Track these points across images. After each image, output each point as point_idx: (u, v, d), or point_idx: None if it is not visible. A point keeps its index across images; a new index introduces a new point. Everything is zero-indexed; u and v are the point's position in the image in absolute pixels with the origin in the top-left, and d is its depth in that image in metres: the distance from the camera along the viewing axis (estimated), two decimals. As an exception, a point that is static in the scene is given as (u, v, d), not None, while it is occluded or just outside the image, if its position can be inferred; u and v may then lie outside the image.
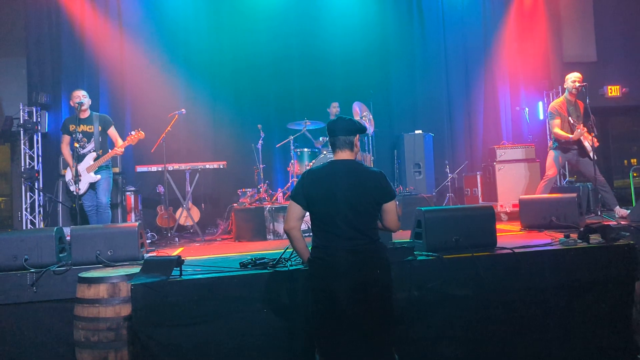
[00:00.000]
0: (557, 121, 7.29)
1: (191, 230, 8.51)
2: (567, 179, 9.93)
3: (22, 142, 8.62)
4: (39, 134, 8.78)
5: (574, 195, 6.15)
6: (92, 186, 6.63)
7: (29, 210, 8.62)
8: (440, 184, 9.77)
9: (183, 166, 8.27)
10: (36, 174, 8.65)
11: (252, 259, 4.33)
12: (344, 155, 3.55)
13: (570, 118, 7.23)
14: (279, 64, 9.96)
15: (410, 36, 10.63)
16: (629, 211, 6.65)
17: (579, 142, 7.20)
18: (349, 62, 10.03)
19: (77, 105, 6.51)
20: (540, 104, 10.86)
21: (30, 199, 8.66)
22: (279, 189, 8.56)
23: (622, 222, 6.11)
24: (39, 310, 4.63)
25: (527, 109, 10.49)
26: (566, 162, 7.87)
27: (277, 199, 8.15)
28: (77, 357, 4.04)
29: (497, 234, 4.85)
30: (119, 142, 6.76)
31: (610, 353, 4.49)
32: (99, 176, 6.59)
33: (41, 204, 8.64)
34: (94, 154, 6.61)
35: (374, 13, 10.45)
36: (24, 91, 8.92)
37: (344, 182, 3.42)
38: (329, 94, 9.44)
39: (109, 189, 6.69)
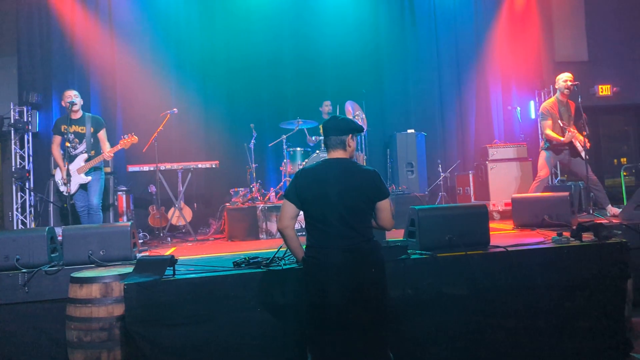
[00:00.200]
0: (549, 122, 7.33)
1: (183, 230, 8.48)
2: (558, 177, 9.97)
3: (12, 141, 8.56)
4: (30, 133, 8.73)
5: (567, 194, 6.18)
6: (84, 187, 6.59)
7: (19, 210, 8.57)
8: (432, 183, 9.78)
9: (175, 166, 8.24)
10: (27, 174, 8.60)
11: (245, 258, 4.32)
12: (337, 154, 3.55)
13: (561, 121, 7.26)
14: (271, 62, 9.95)
15: (402, 35, 10.65)
16: (620, 210, 6.68)
17: (570, 143, 7.25)
18: (342, 62, 10.03)
19: (68, 105, 6.47)
20: (532, 103, 10.91)
21: (21, 199, 8.60)
22: (272, 189, 8.55)
23: (614, 221, 6.15)
24: (31, 311, 4.59)
25: (518, 108, 10.53)
26: (558, 163, 7.90)
27: (269, 199, 8.14)
28: (70, 358, 4.01)
29: (490, 233, 4.86)
30: (107, 146, 6.69)
31: (602, 350, 4.51)
32: (89, 177, 6.55)
33: (32, 204, 8.59)
34: (85, 155, 6.57)
35: (366, 12, 10.47)
36: (15, 91, 8.86)
37: (337, 180, 3.41)
38: (321, 93, 9.46)
39: (100, 190, 6.65)
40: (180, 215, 8.18)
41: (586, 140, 7.18)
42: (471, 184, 9.26)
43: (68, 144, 6.35)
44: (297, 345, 3.91)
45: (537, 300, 4.46)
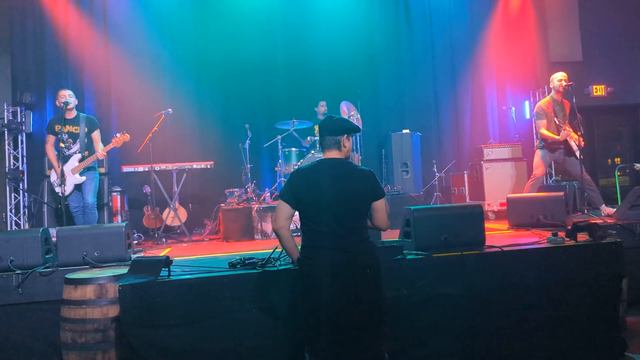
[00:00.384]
0: (544, 121, 7.35)
1: (178, 231, 8.46)
2: (553, 177, 10.00)
3: (6, 142, 8.52)
4: (24, 134, 8.68)
5: (561, 193, 6.20)
6: (78, 187, 6.58)
7: (13, 211, 8.53)
8: (427, 183, 9.79)
9: (170, 166, 8.22)
10: (21, 175, 8.55)
11: (241, 259, 4.31)
12: (332, 154, 3.54)
13: (556, 118, 7.29)
14: (266, 63, 9.93)
15: (397, 35, 10.66)
16: (615, 209, 6.70)
17: (565, 142, 7.28)
18: (337, 61, 10.01)
19: (62, 104, 6.46)
20: (527, 103, 10.93)
21: (15, 200, 8.56)
22: (267, 189, 8.55)
23: (609, 220, 6.18)
24: (25, 312, 4.57)
25: (513, 108, 10.55)
26: (553, 162, 7.92)
27: (264, 199, 8.13)
28: (64, 359, 4.00)
29: (485, 233, 4.86)
30: (100, 147, 6.67)
31: (598, 350, 4.51)
32: (84, 177, 6.55)
33: (26, 205, 8.55)
34: (79, 155, 6.56)
35: (361, 12, 10.47)
36: (9, 91, 8.80)
37: (332, 181, 3.40)
38: (316, 93, 9.43)
39: (94, 189, 6.65)
40: (175, 215, 8.16)
41: (581, 139, 7.20)
42: (466, 184, 9.28)
43: (62, 144, 6.32)
44: (293, 346, 3.90)
45: (532, 300, 4.46)
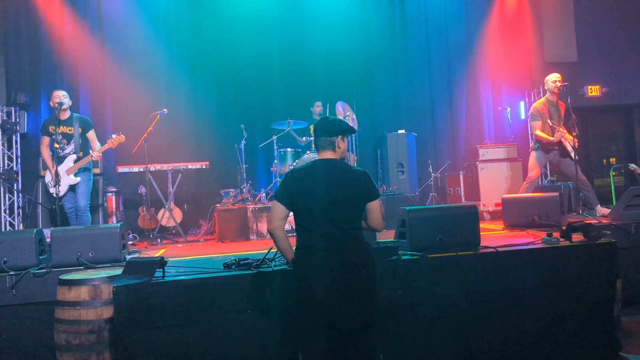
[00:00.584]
0: (539, 123, 7.36)
1: (173, 231, 8.44)
2: (548, 178, 10.02)
3: (0, 142, 8.48)
4: (18, 134, 8.65)
5: (556, 194, 6.20)
6: (72, 188, 6.56)
7: (7, 212, 8.49)
8: (423, 183, 9.80)
9: (165, 166, 8.20)
10: (15, 175, 8.52)
11: (235, 260, 4.30)
12: (327, 155, 3.53)
13: (550, 121, 7.30)
14: (262, 63, 9.91)
15: (393, 35, 10.66)
16: (609, 210, 6.72)
17: (560, 143, 7.28)
18: (332, 62, 9.99)
19: (57, 105, 6.44)
20: (522, 103, 10.94)
21: (9, 201, 8.53)
22: (262, 189, 8.54)
23: (604, 221, 6.18)
24: (19, 313, 4.56)
25: (509, 109, 10.56)
26: (548, 163, 7.94)
27: (260, 199, 8.12)
28: (58, 361, 3.99)
29: (481, 233, 4.86)
30: (97, 146, 6.66)
31: (592, 350, 4.52)
32: (78, 178, 6.52)
33: (20, 206, 8.52)
34: (74, 156, 6.54)
35: (357, 12, 10.46)
36: (3, 91, 8.77)
37: (327, 181, 3.39)
38: (312, 93, 9.42)
39: (88, 192, 6.62)
40: (170, 216, 8.14)
41: (575, 140, 7.22)
42: (462, 184, 9.28)
43: (56, 145, 6.31)
44: (288, 346, 3.90)
45: (527, 300, 4.47)
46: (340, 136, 3.52)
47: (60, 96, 6.51)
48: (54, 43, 9.01)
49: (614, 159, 12.20)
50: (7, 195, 8.53)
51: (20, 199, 8.52)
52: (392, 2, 10.71)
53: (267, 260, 4.24)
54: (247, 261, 4.26)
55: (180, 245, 7.19)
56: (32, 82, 8.93)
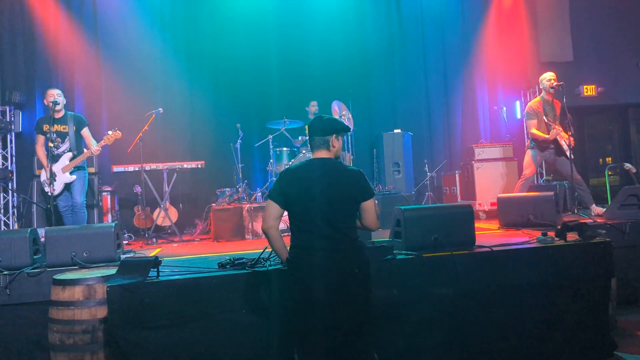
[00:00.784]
0: (534, 121, 7.37)
1: (169, 231, 8.42)
2: (544, 177, 10.03)
3: (-5, 141, 8.48)
4: (13, 133, 8.63)
5: (552, 193, 6.21)
6: (67, 187, 6.55)
7: (2, 211, 8.47)
8: (419, 182, 9.80)
9: (160, 166, 8.17)
10: (10, 174, 8.50)
11: (230, 259, 4.29)
12: (321, 154, 3.53)
13: (546, 118, 7.31)
14: (258, 62, 9.90)
15: (389, 35, 10.68)
16: (605, 209, 6.73)
17: (555, 142, 7.30)
18: (328, 61, 10.01)
19: (51, 104, 6.41)
20: (518, 103, 10.97)
21: (4, 200, 8.50)
22: (258, 189, 8.53)
23: (599, 220, 6.19)
24: (13, 313, 4.53)
25: (504, 108, 10.57)
26: (543, 161, 7.95)
27: (256, 199, 8.12)
28: (52, 361, 3.97)
29: (476, 233, 4.86)
30: (93, 143, 6.65)
31: (587, 349, 4.53)
32: (74, 176, 6.51)
33: (15, 205, 8.50)
34: (69, 154, 6.53)
35: (353, 12, 10.46)
36: (-3, 90, 8.77)
37: (322, 180, 3.39)
38: (308, 92, 9.43)
39: (84, 188, 6.61)
40: (165, 215, 8.13)
41: (571, 138, 7.22)
42: (457, 183, 9.29)
43: (51, 144, 6.29)
44: (282, 346, 3.89)
45: (522, 300, 4.47)
46: (334, 135, 3.51)
47: (55, 95, 6.49)
48: (49, 42, 8.99)
49: (609, 159, 12.24)
50: (1, 194, 8.50)
51: (15, 198, 8.49)
52: (388, 2, 10.70)
53: (262, 260, 4.24)
54: (241, 261, 4.25)
55: (175, 245, 7.17)
56: (27, 81, 8.92)
